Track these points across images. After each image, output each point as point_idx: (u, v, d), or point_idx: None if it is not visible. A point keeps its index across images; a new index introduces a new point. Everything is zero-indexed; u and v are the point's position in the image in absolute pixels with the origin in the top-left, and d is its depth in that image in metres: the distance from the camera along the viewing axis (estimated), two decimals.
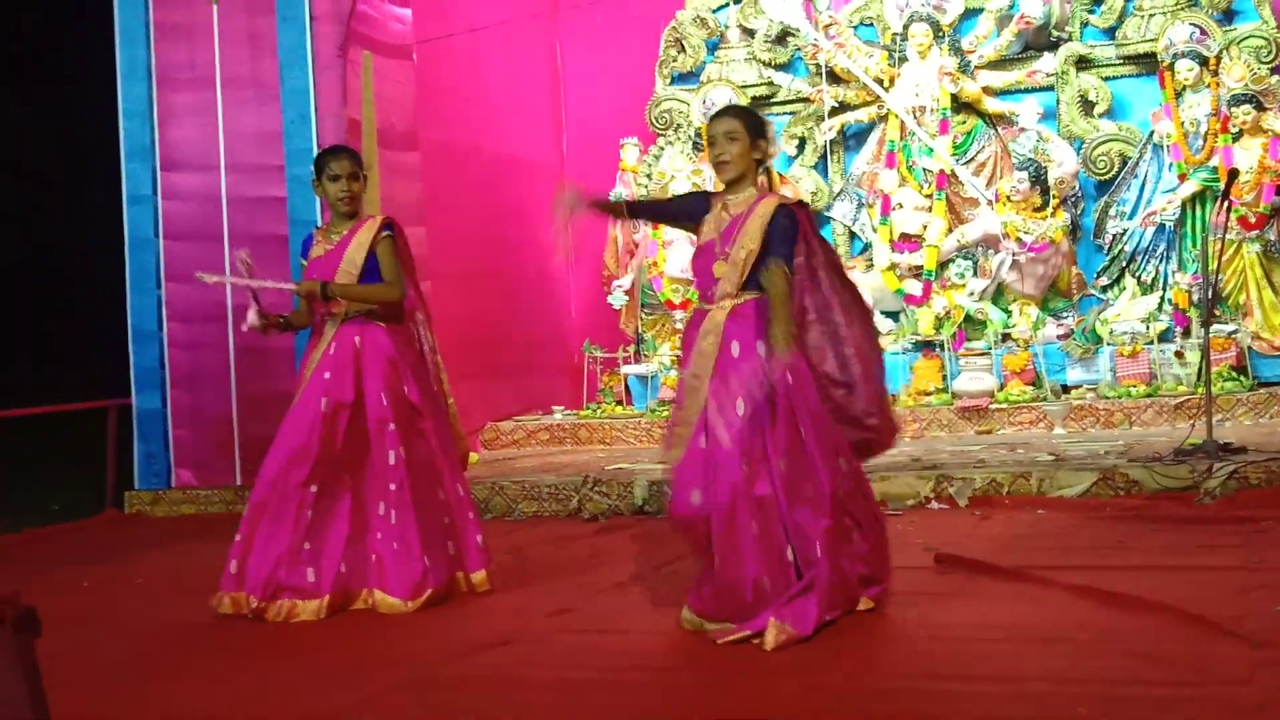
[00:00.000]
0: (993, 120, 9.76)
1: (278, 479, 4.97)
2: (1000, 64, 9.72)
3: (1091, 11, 9.63)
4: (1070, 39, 9.62)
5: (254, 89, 8.43)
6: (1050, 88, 9.61)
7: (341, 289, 5.05)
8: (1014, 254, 9.15)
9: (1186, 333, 8.68)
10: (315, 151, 7.83)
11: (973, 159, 9.73)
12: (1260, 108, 8.70)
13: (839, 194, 10.13)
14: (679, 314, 9.59)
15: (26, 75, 17.65)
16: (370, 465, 5.03)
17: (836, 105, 10.01)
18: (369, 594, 4.98)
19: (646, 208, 4.55)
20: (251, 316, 5.10)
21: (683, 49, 10.50)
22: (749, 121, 4.43)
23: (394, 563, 4.96)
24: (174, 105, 8.58)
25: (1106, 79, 9.53)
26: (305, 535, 4.94)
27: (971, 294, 9.32)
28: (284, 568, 4.90)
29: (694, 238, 4.52)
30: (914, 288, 9.56)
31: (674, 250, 9.60)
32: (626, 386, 9.84)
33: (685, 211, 4.60)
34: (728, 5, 10.48)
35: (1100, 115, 9.47)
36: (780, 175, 9.99)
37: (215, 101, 8.50)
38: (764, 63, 10.23)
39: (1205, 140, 8.85)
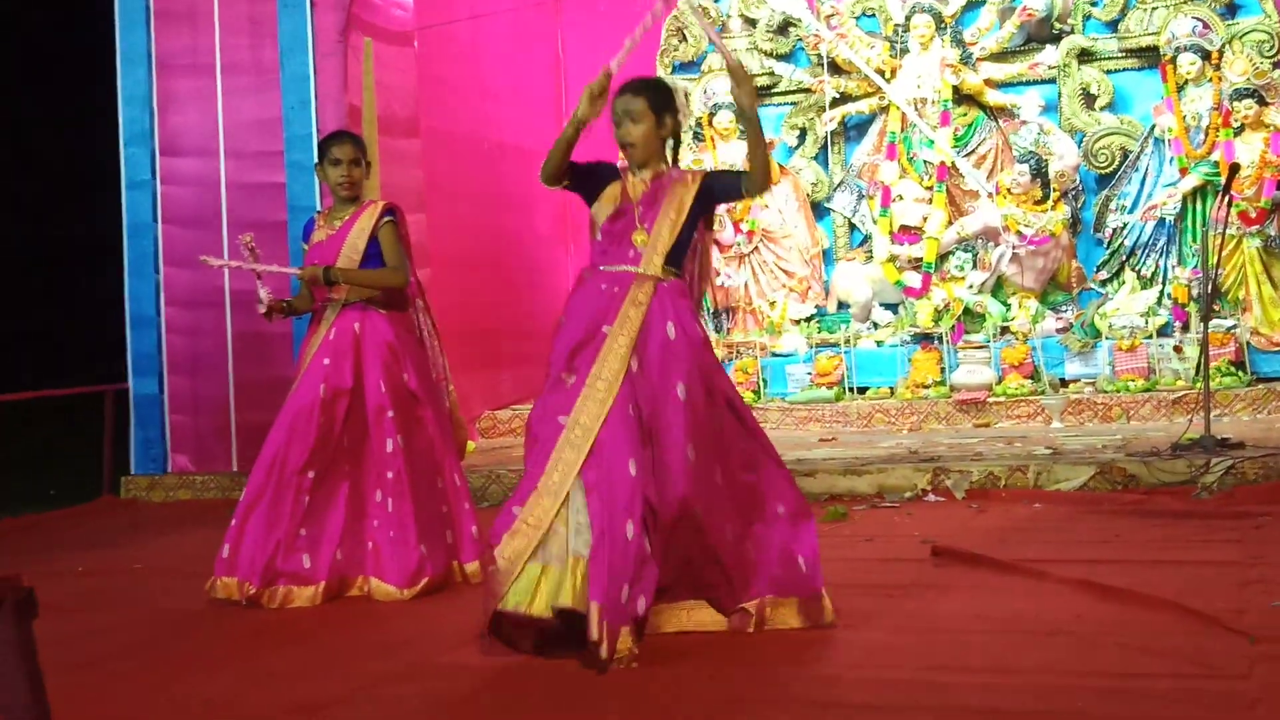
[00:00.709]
0: (994, 112, 9.75)
1: (275, 465, 4.97)
2: (1002, 56, 9.71)
3: (1094, 4, 9.61)
4: (1072, 32, 9.61)
5: (254, 75, 8.42)
6: (1052, 80, 9.60)
7: (344, 273, 5.04)
8: (1014, 247, 9.14)
9: (1185, 327, 8.67)
10: (315, 138, 7.84)
11: (973, 151, 9.71)
12: (1262, 102, 8.69)
13: (839, 185, 10.12)
14: None
15: (26, 60, 17.61)
16: (368, 453, 5.03)
17: (837, 96, 9.99)
18: (365, 581, 4.98)
19: (577, 169, 4.30)
20: (263, 296, 5.10)
21: (684, 38, 10.49)
22: (654, 97, 4.12)
23: (390, 550, 4.95)
24: (174, 91, 8.57)
25: (1108, 72, 9.52)
26: (302, 521, 4.94)
27: (971, 287, 9.32)
28: (281, 554, 4.90)
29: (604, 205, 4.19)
30: (913, 280, 9.55)
31: None
32: None
33: (596, 180, 4.23)
34: None
35: (1102, 108, 9.46)
36: (781, 167, 9.99)
37: (215, 87, 8.49)
38: (765, 53, 10.22)
39: (1206, 135, 8.85)
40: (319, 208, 7.54)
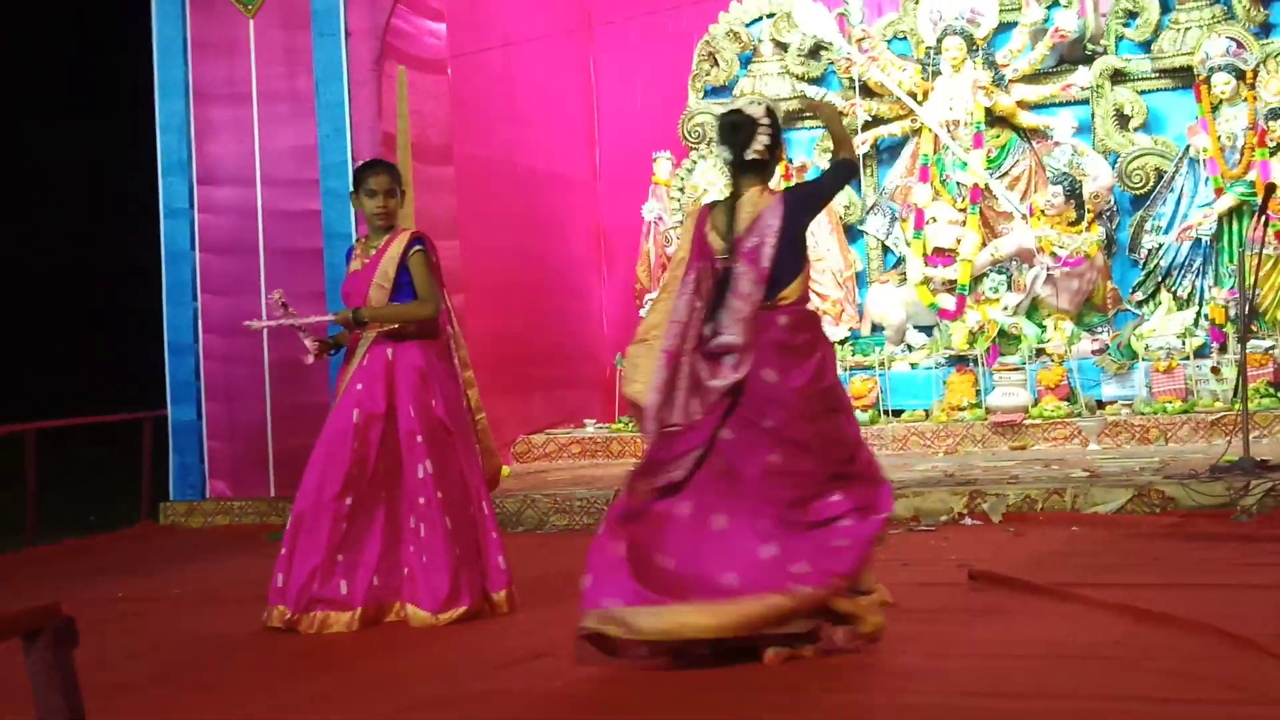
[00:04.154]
0: (1027, 134, 9.72)
1: (313, 492, 5.01)
2: (1035, 78, 9.68)
3: (1127, 25, 9.58)
4: (1105, 52, 9.57)
5: (290, 104, 8.50)
6: (1085, 101, 9.57)
7: (372, 313, 5.06)
8: (1048, 268, 9.10)
9: (1223, 348, 8.61)
10: (350, 165, 7.89)
11: (1007, 173, 9.69)
12: None
13: (872, 208, 10.11)
14: None
15: (65, 90, 17.84)
16: (403, 479, 5.05)
17: (870, 119, 9.99)
18: (402, 607, 5.00)
19: None
20: (309, 347, 5.15)
21: (716, 63, 10.52)
22: None
23: (424, 576, 4.97)
24: (211, 120, 8.66)
25: (1142, 93, 9.47)
26: (340, 548, 4.97)
27: (1006, 308, 9.28)
28: (318, 580, 4.92)
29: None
30: (948, 302, 9.52)
31: None
32: None
33: None
34: (761, 19, 10.48)
35: (1136, 129, 9.42)
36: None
37: (252, 116, 8.57)
38: (797, 76, 10.23)
39: (1242, 154, 8.79)
40: (355, 235, 7.60)
